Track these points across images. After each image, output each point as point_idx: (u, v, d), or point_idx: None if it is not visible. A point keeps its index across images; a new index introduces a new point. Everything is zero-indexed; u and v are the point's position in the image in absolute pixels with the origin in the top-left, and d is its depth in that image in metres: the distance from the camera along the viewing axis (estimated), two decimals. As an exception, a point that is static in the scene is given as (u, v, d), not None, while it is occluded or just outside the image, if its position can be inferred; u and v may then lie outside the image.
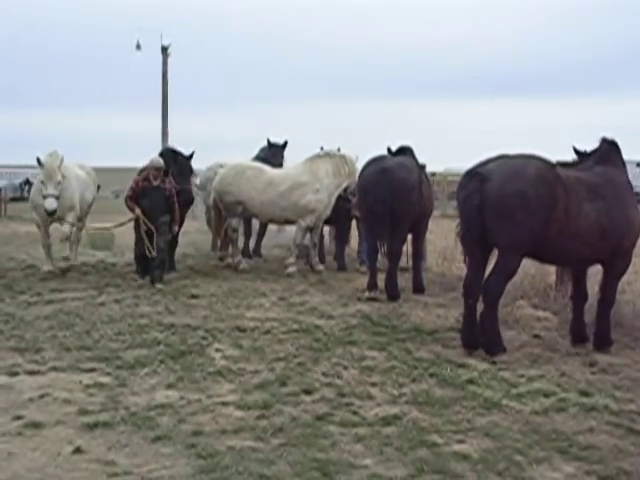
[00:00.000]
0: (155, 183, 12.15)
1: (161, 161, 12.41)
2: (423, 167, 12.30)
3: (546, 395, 6.71)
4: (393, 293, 11.20)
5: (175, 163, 13.22)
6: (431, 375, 7.30)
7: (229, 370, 7.41)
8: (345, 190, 13.95)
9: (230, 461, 5.20)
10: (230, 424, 5.93)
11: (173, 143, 14.44)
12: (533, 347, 8.42)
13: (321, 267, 13.86)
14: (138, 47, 38.41)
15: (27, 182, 39.87)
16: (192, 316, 9.87)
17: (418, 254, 12.18)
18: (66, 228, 12.87)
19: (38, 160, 12.42)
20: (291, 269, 13.53)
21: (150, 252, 12.04)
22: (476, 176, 7.95)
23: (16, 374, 7.22)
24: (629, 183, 8.42)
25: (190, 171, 13.87)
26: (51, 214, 12.38)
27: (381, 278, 11.36)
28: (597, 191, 8.00)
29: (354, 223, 14.85)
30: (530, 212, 7.67)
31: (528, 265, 10.04)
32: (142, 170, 13.17)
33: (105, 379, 7.09)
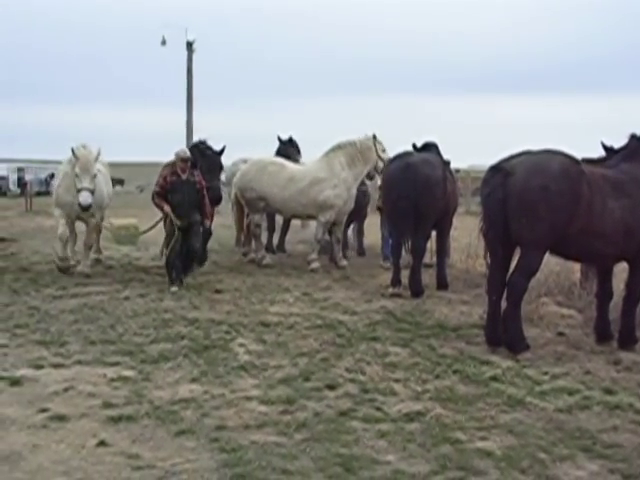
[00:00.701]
0: (184, 177, 11.46)
1: (187, 151, 11.84)
2: (448, 163, 12.24)
3: (570, 393, 6.66)
4: (417, 289, 11.17)
5: (204, 158, 12.63)
6: (455, 372, 7.27)
7: (253, 365, 7.43)
8: (368, 176, 14.04)
9: (253, 456, 5.21)
10: (253, 419, 5.95)
11: (198, 138, 14.14)
12: (557, 345, 8.36)
13: (345, 263, 13.85)
14: (163, 43, 38.48)
15: (52, 176, 40.09)
16: (216, 311, 9.90)
17: (442, 250, 12.16)
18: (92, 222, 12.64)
19: (72, 151, 11.95)
20: (314, 265, 13.51)
21: (162, 254, 11.74)
22: (500, 171, 7.91)
23: (41, 367, 7.28)
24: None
25: (220, 167, 13.27)
26: (86, 209, 11.79)
27: (405, 274, 11.34)
28: (622, 188, 7.91)
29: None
30: (552, 207, 7.60)
31: (552, 262, 9.99)
32: (166, 165, 13.13)
33: (129, 373, 7.13)
